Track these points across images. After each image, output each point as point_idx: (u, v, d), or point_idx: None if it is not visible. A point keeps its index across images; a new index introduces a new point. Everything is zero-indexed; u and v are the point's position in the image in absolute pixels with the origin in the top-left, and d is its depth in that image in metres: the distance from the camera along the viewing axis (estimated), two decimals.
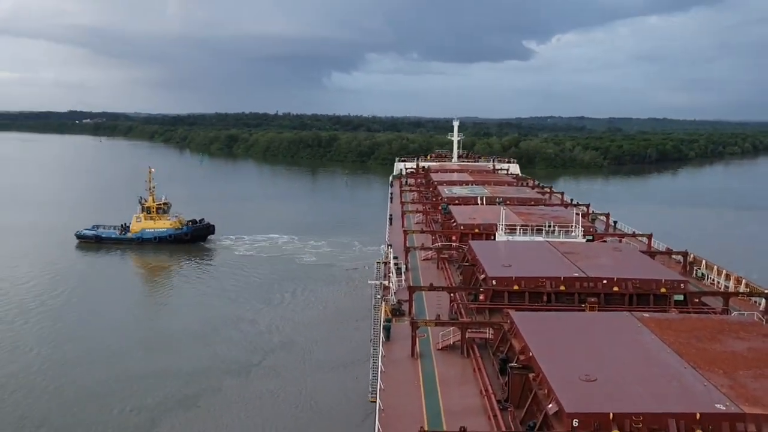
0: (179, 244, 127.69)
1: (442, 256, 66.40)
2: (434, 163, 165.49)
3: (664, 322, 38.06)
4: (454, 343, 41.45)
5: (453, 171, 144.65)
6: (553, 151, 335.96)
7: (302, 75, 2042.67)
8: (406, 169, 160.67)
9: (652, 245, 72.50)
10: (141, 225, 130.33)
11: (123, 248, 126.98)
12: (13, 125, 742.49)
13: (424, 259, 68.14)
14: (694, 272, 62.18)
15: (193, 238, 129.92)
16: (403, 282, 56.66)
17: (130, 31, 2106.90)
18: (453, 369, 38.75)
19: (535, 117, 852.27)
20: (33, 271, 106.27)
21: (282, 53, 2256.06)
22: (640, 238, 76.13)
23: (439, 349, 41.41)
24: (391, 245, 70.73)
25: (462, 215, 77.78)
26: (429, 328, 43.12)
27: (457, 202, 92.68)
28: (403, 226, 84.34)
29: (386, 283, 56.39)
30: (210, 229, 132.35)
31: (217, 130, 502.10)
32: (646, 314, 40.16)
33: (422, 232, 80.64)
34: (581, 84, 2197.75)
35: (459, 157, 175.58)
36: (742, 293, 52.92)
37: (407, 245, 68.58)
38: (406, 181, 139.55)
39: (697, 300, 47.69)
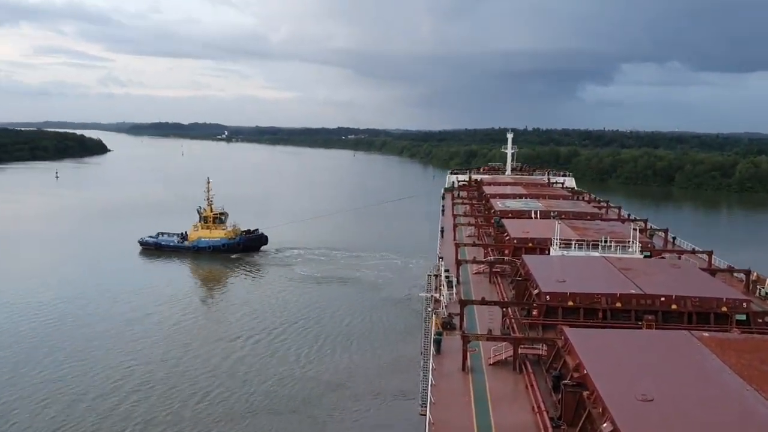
0: (232, 253, 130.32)
1: (494, 269, 65.79)
2: (487, 176, 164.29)
3: (725, 342, 36.79)
4: (506, 358, 40.91)
5: (506, 184, 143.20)
6: None
7: (553, 89, 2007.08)
8: (459, 181, 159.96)
9: (712, 262, 70.36)
10: (198, 234, 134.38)
11: (180, 256, 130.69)
12: (289, 140, 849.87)
13: (475, 273, 67.59)
14: (758, 291, 59.91)
15: (245, 248, 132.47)
16: (454, 295, 56.32)
17: (387, 51, 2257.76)
18: (505, 385, 38.24)
19: None
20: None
21: (531, 68, 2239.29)
22: (700, 255, 73.99)
23: (490, 364, 40.92)
24: (442, 258, 70.49)
25: (515, 229, 76.92)
26: (480, 342, 42.69)
27: (510, 215, 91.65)
28: (454, 239, 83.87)
29: (437, 296, 56.14)
30: (263, 240, 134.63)
31: (458, 145, 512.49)
32: (706, 334, 38.89)
33: (474, 245, 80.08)
34: None
35: (513, 169, 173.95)
36: None
37: (458, 258, 68.21)
38: (458, 194, 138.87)
39: (760, 320, 45.98)
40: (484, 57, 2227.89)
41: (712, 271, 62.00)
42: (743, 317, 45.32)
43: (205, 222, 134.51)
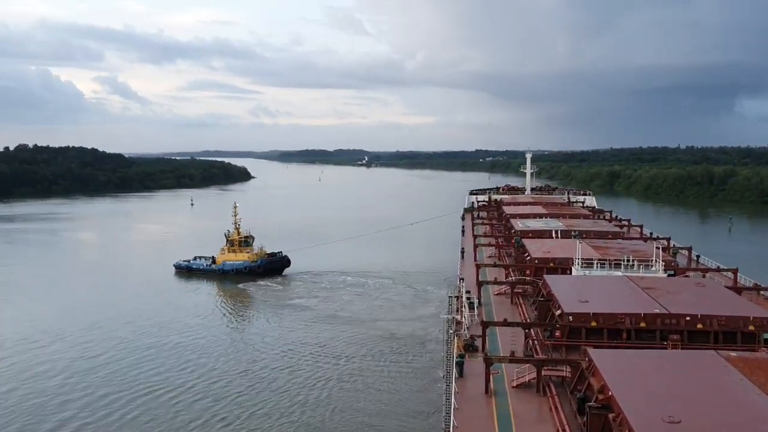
0: (254, 276, 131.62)
1: (516, 290, 65.42)
2: (506, 196, 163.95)
3: (753, 362, 36.15)
4: (529, 380, 40.57)
5: (526, 204, 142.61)
6: None
7: (707, 104, 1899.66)
8: (478, 202, 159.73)
9: (738, 280, 69.39)
10: (224, 257, 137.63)
11: (208, 278, 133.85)
12: (427, 163, 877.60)
13: (497, 294, 67.29)
14: None
15: (266, 270, 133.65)
16: (476, 317, 56.06)
17: (522, 72, 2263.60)
18: (528, 407, 37.87)
19: None
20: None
21: (678, 83, 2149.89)
22: (725, 273, 73.04)
23: (513, 387, 40.59)
24: (463, 279, 70.27)
25: (536, 249, 76.46)
26: (503, 364, 42.41)
27: (530, 235, 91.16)
28: (475, 260, 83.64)
29: (459, 317, 55.88)
30: (285, 263, 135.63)
31: (600, 166, 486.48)
32: (733, 353, 38.23)
33: (495, 265, 79.78)
34: None
35: (532, 189, 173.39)
36: None
37: (480, 279, 67.95)
38: (478, 215, 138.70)
39: None
40: (625, 74, 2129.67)
41: (738, 290, 61.08)
42: None
43: (232, 245, 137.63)
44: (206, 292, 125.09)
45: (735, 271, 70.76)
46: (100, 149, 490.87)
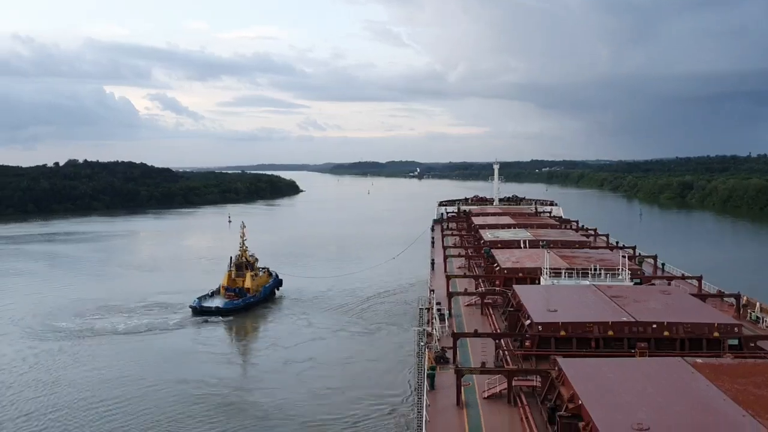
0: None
1: (485, 301, 65.69)
2: (475, 207, 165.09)
3: (718, 367, 36.76)
4: (500, 391, 40.63)
5: (495, 214, 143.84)
6: None
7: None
8: (448, 213, 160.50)
9: (702, 287, 70.61)
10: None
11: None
12: (480, 174, 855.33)
13: (467, 305, 67.45)
14: (749, 315, 60.14)
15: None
16: (447, 328, 56.11)
17: (564, 82, 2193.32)
18: (500, 418, 37.94)
19: None
20: None
21: (742, 89, 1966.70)
22: (689, 281, 74.24)
23: (485, 398, 40.63)
24: (433, 291, 70.36)
25: (505, 259, 77.06)
26: (474, 376, 42.45)
27: (499, 245, 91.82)
28: (445, 271, 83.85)
29: (429, 329, 55.89)
30: (277, 283, 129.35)
31: (668, 176, 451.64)
32: (699, 360, 38.84)
33: (465, 276, 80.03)
34: None
35: (500, 200, 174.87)
36: None
37: (450, 290, 68.09)
38: (447, 225, 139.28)
39: (752, 344, 46.09)
40: (681, 80, 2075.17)
41: (703, 297, 62.16)
42: (735, 342, 45.37)
43: (238, 269, 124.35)
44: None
45: (699, 279, 72.01)
46: (150, 164, 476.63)
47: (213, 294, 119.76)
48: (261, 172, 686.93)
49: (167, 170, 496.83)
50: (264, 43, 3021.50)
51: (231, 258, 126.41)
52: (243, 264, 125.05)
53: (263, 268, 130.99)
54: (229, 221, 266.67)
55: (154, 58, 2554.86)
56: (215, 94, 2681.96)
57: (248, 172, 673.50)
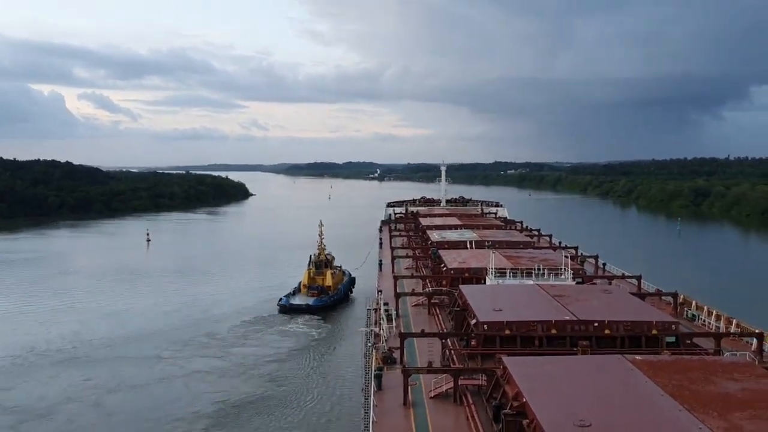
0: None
1: (432, 301, 66.15)
2: (423, 208, 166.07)
3: (656, 364, 37.86)
4: (446, 390, 40.94)
5: (442, 215, 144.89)
6: None
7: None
8: (396, 213, 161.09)
9: (641, 287, 72.64)
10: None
11: None
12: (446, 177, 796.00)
13: (414, 305, 67.82)
14: (685, 313, 62.21)
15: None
16: (394, 328, 56.27)
17: (488, 85, 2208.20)
18: (446, 417, 38.24)
19: None
20: None
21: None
22: (629, 280, 76.26)
23: (431, 397, 40.87)
24: (381, 291, 70.50)
25: (452, 259, 77.69)
26: (421, 375, 42.67)
27: (446, 246, 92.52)
28: (393, 272, 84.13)
29: (377, 330, 55.96)
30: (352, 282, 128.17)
31: (676, 181, 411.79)
32: (638, 357, 39.91)
33: (412, 277, 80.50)
34: None
35: (447, 201, 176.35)
36: (733, 333, 52.90)
37: (397, 291, 68.31)
38: (395, 226, 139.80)
39: (688, 341, 47.57)
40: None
41: (642, 295, 63.89)
42: (672, 339, 46.79)
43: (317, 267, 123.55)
44: None
45: (639, 278, 74.07)
46: (89, 164, 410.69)
47: (294, 292, 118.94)
48: (210, 172, 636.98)
49: (96, 170, 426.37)
50: (179, 40, 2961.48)
51: (310, 256, 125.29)
52: (322, 262, 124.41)
53: (337, 267, 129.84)
54: (148, 240, 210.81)
55: (70, 56, 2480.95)
56: (146, 94, 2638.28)
57: (194, 172, 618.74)
